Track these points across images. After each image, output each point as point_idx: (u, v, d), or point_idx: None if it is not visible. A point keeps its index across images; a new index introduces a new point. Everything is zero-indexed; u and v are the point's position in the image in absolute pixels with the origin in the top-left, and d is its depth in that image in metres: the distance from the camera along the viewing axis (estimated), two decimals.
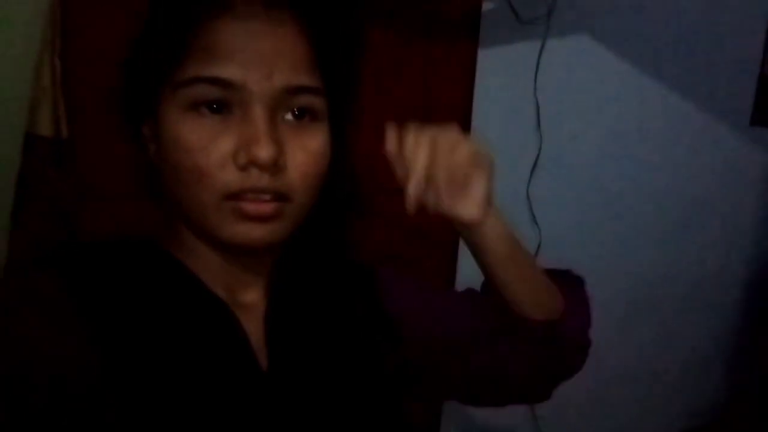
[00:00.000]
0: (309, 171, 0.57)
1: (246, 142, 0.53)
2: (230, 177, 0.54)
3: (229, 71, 0.53)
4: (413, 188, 0.58)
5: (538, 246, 1.52)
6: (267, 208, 0.55)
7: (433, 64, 1.35)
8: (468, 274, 0.77)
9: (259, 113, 0.54)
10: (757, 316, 1.81)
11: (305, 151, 0.56)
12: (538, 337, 0.71)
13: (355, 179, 0.67)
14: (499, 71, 1.41)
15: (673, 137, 1.61)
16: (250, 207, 0.55)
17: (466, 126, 1.41)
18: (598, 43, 1.49)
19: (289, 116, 0.56)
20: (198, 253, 0.61)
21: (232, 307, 0.61)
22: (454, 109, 1.42)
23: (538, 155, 1.48)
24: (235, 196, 0.54)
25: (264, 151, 0.53)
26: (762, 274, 1.78)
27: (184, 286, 0.60)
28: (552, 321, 0.71)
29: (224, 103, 0.54)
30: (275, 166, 0.54)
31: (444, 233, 1.43)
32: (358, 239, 0.72)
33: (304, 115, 0.56)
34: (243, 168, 0.54)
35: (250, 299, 0.63)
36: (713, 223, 1.70)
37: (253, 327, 0.61)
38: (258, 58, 0.53)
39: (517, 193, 1.50)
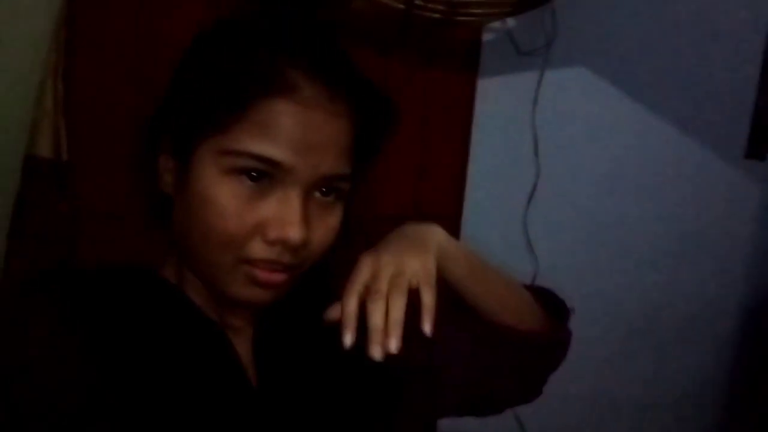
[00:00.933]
0: (326, 245, 0.60)
1: (280, 221, 0.55)
2: (256, 247, 0.56)
3: (282, 154, 0.54)
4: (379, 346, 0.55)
5: (535, 274, 1.52)
6: (279, 278, 0.57)
7: (433, 93, 1.36)
8: None
9: (298, 195, 0.56)
10: (752, 346, 1.81)
11: (326, 228, 0.59)
12: (518, 343, 0.72)
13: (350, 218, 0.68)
14: (498, 101, 1.42)
15: (669, 169, 1.62)
16: (263, 276, 0.57)
17: (464, 154, 1.42)
18: (596, 75, 1.51)
19: (317, 194, 0.58)
20: (193, 285, 0.63)
21: (223, 329, 0.63)
22: (454, 137, 1.43)
23: (535, 184, 1.49)
24: (252, 261, 0.56)
25: (297, 235, 0.55)
26: (756, 305, 1.79)
27: (178, 308, 0.62)
28: (528, 330, 0.72)
29: (266, 175, 0.55)
30: (301, 246, 0.56)
31: None
32: (348, 262, 0.73)
33: (330, 193, 0.59)
34: (271, 243, 0.55)
35: (239, 322, 0.65)
36: (708, 255, 1.71)
37: (243, 347, 0.63)
38: (312, 148, 0.55)
39: (514, 221, 1.50)
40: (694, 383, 1.78)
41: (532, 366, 0.75)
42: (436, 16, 1.17)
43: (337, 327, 0.57)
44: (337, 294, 0.70)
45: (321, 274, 0.70)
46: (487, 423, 1.55)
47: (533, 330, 0.72)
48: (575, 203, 1.55)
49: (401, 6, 1.13)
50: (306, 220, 0.56)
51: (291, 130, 0.54)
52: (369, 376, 0.68)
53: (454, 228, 1.45)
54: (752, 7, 1.62)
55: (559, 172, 1.51)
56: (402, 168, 1.36)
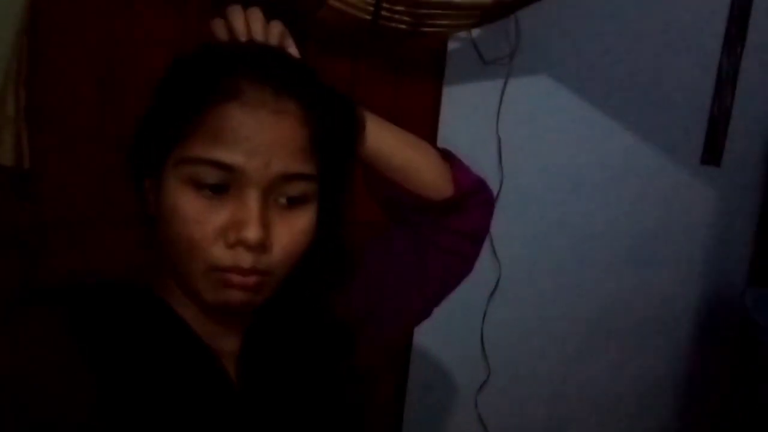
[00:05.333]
0: (292, 250, 0.60)
1: (237, 223, 0.56)
2: (219, 253, 0.57)
3: (231, 157, 0.56)
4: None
5: (498, 279, 1.55)
6: (250, 281, 0.58)
7: (399, 101, 1.38)
8: None
9: (252, 197, 0.57)
10: (707, 345, 1.87)
11: (291, 232, 0.60)
12: (447, 204, 0.75)
13: (342, 247, 0.70)
14: (462, 109, 1.44)
15: (629, 175, 1.67)
16: (235, 279, 0.58)
17: None
18: (558, 83, 1.54)
19: (282, 200, 0.59)
20: (183, 301, 0.64)
21: (215, 352, 0.64)
22: None
23: (499, 190, 1.52)
24: (220, 268, 0.57)
25: (252, 234, 0.56)
26: (711, 306, 1.85)
27: (172, 330, 0.63)
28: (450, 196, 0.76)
29: (224, 181, 0.57)
30: (261, 247, 0.57)
31: None
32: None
33: (296, 200, 0.60)
34: (231, 245, 0.57)
35: (230, 347, 0.66)
36: (666, 257, 1.76)
37: (232, 365, 0.65)
38: (261, 148, 0.56)
39: None
40: (653, 381, 1.84)
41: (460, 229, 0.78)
42: (402, 27, 1.18)
43: (322, 344, 0.60)
44: (325, 313, 0.72)
45: (314, 305, 0.72)
46: (450, 425, 1.58)
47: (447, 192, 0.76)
48: (538, 209, 1.59)
49: (367, 17, 1.14)
50: (263, 221, 0.57)
51: (238, 131, 0.56)
52: (344, 392, 0.71)
53: None
54: (708, 18, 1.67)
55: (522, 179, 1.54)
56: None
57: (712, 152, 1.77)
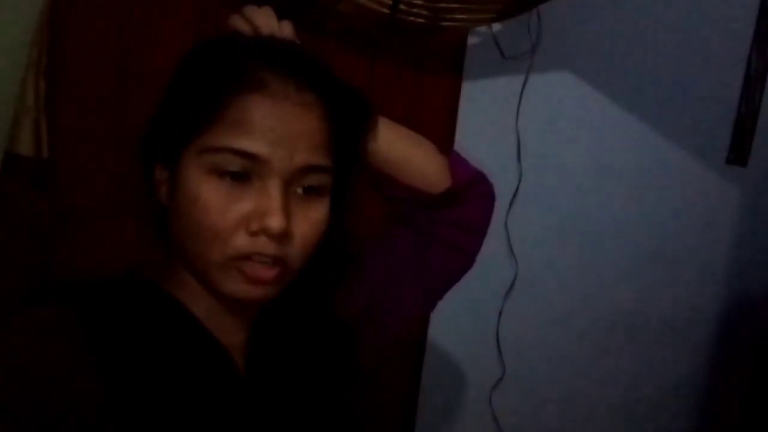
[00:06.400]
0: (310, 240, 0.61)
1: (261, 212, 0.57)
2: (241, 241, 0.58)
3: (257, 147, 0.57)
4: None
5: (514, 277, 1.54)
6: (267, 273, 0.59)
7: (417, 96, 1.36)
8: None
9: (276, 187, 0.58)
10: (728, 350, 1.84)
11: (309, 223, 0.61)
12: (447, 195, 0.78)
13: (348, 242, 0.70)
14: (482, 104, 1.43)
15: (651, 173, 1.64)
16: (252, 272, 0.59)
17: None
18: (580, 79, 1.52)
19: (299, 191, 0.60)
20: (193, 294, 0.64)
21: (224, 346, 0.65)
22: (437, 139, 1.42)
23: (517, 187, 1.50)
24: (241, 257, 0.58)
25: (277, 224, 0.57)
26: (734, 310, 1.81)
27: (182, 325, 0.64)
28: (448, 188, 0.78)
29: (246, 171, 0.58)
30: (284, 236, 0.58)
31: None
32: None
33: (313, 191, 0.61)
34: (254, 234, 0.58)
35: (237, 340, 0.67)
36: (688, 259, 1.73)
37: (241, 359, 0.66)
38: (285, 139, 0.58)
39: (494, 224, 1.50)
40: (671, 383, 1.81)
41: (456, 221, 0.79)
42: (421, 21, 1.17)
43: (325, 340, 0.62)
44: (327, 310, 0.72)
45: (320, 301, 0.72)
46: (464, 423, 1.57)
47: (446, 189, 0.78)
48: (556, 208, 1.57)
49: (386, 10, 1.13)
50: (286, 211, 0.58)
51: (263, 122, 0.57)
52: (347, 387, 0.71)
53: None
54: (737, 15, 1.63)
55: (541, 177, 1.52)
56: None
57: (738, 152, 1.74)
